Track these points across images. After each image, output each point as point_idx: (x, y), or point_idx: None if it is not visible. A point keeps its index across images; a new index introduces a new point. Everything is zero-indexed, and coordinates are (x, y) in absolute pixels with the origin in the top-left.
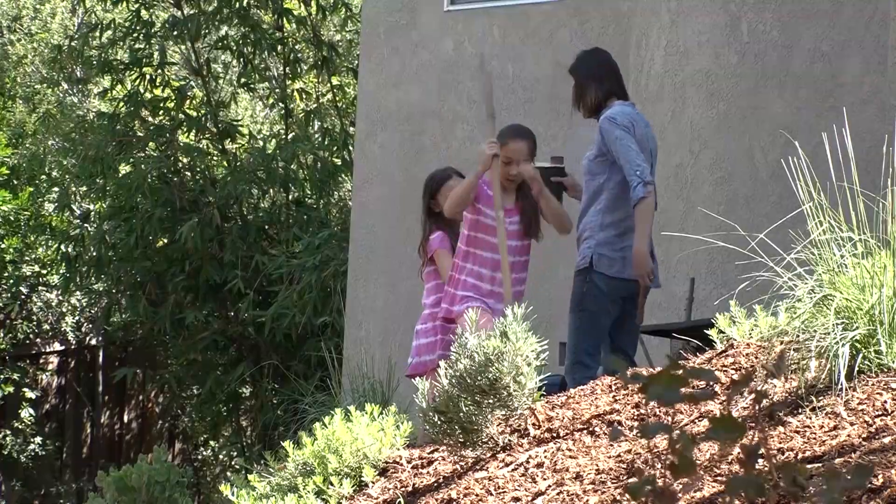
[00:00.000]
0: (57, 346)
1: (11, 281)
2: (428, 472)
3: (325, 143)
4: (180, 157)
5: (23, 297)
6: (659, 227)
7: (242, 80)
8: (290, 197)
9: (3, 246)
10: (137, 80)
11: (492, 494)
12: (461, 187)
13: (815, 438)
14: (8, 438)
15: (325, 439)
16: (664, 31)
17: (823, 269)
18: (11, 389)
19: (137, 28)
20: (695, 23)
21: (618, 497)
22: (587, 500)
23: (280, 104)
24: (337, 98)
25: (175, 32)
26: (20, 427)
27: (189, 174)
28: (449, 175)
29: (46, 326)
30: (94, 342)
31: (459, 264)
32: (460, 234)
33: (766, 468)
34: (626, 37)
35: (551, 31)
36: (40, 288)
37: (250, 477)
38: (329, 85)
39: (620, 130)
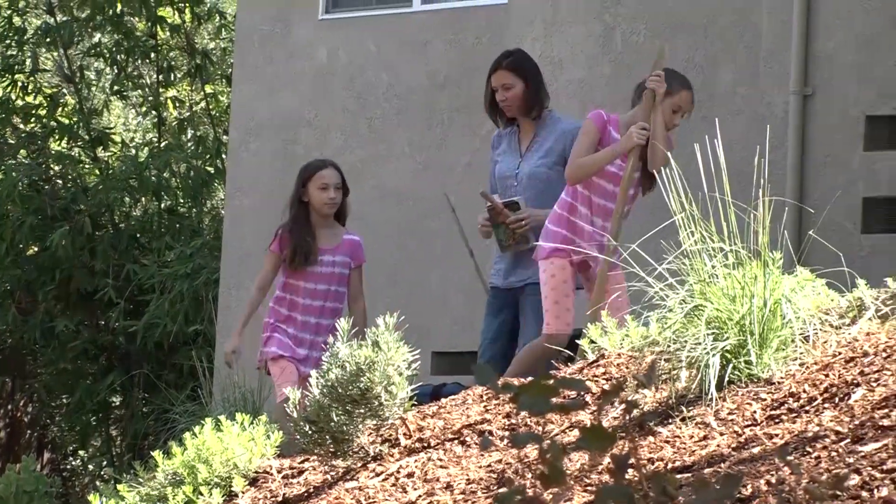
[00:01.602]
0: None
1: None
2: (298, 483)
3: (198, 151)
4: (52, 165)
5: None
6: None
7: (115, 87)
8: (163, 205)
9: None
10: (9, 87)
11: None
12: (598, 158)
13: (685, 448)
14: None
15: (195, 449)
16: (538, 41)
17: (695, 279)
18: None
19: (9, 35)
20: (569, 33)
21: None
22: None
23: (153, 112)
24: (210, 106)
25: (48, 39)
26: None
27: (61, 182)
28: (325, 165)
29: None
30: None
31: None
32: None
33: (636, 478)
34: (500, 47)
35: (426, 40)
36: None
37: (119, 487)
38: (202, 93)
39: None
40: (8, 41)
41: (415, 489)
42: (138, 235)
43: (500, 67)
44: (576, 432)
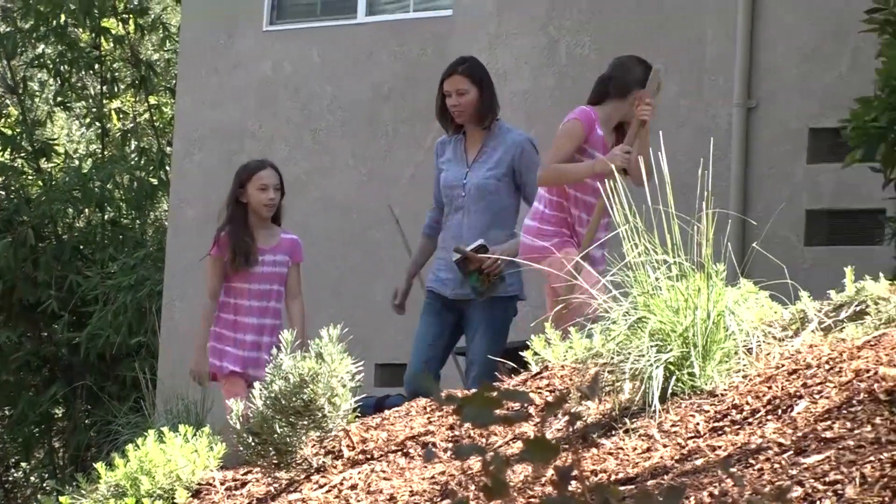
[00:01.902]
0: None
1: None
2: (241, 494)
3: (142, 162)
4: None
5: None
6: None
7: (59, 98)
8: (106, 217)
9: None
10: None
11: None
12: (578, 171)
13: (628, 460)
14: None
15: (137, 461)
16: (483, 53)
17: (638, 291)
18: None
19: None
20: (513, 45)
21: None
22: None
23: (97, 123)
24: (154, 118)
25: None
26: None
27: (3, 193)
28: (264, 165)
29: None
30: None
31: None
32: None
33: (579, 490)
34: (444, 58)
35: (370, 51)
36: None
37: (62, 499)
38: (146, 104)
39: (538, 158)
40: None
41: (358, 501)
42: (81, 247)
43: (456, 72)
44: (519, 444)
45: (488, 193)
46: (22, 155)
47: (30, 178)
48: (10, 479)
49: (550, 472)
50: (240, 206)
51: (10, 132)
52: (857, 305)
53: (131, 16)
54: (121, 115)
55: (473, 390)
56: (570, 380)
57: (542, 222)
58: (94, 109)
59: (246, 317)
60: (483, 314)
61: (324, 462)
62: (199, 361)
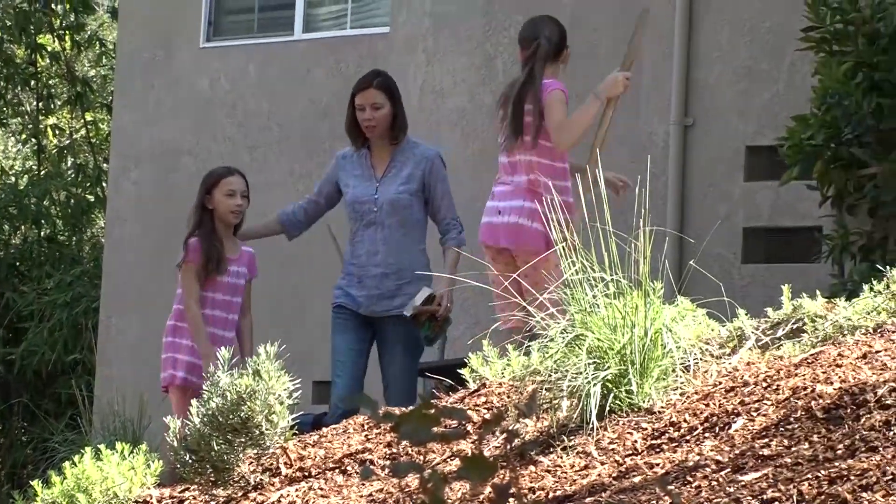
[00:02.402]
0: None
1: None
2: None
3: (79, 179)
4: None
5: None
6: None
7: None
8: (42, 233)
9: None
10: None
11: None
12: (587, 110)
13: (566, 478)
14: None
15: (74, 478)
16: (420, 70)
17: (576, 309)
18: None
19: None
20: (451, 62)
21: None
22: None
23: (33, 140)
24: (91, 134)
25: None
26: None
27: None
28: (231, 171)
29: None
30: None
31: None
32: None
33: None
34: None
35: (308, 68)
36: None
37: None
38: (83, 121)
39: (445, 172)
40: None
41: None
42: (17, 263)
43: (371, 86)
44: (457, 461)
45: (402, 208)
46: None
47: None
48: None
49: (488, 489)
50: (206, 212)
51: None
52: (794, 323)
53: (67, 32)
54: (57, 132)
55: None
56: (508, 397)
57: (567, 193)
58: (29, 126)
59: (211, 327)
60: (399, 331)
61: (261, 479)
62: (207, 355)
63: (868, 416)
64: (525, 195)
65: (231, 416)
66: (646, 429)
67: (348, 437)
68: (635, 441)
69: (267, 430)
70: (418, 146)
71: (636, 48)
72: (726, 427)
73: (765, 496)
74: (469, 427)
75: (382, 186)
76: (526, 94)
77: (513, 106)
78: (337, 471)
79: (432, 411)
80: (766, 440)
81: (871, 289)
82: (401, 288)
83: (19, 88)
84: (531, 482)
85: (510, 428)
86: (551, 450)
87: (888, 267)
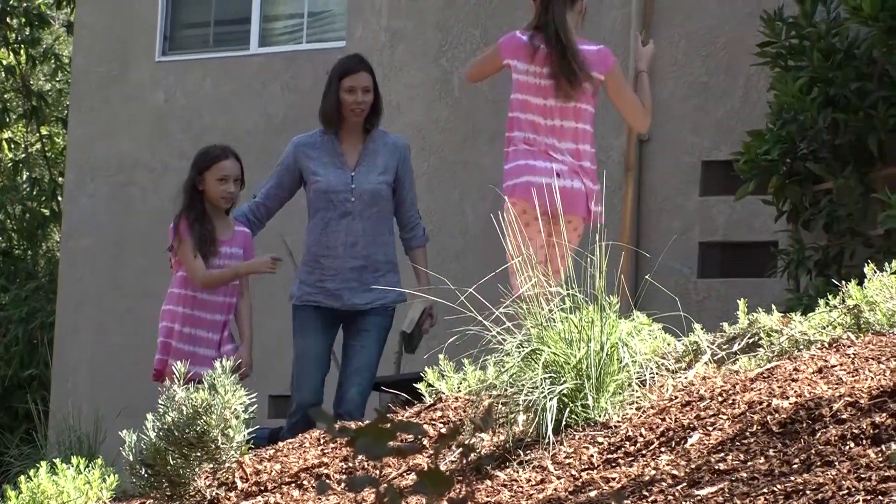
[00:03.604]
0: None
1: None
2: None
3: (34, 193)
4: None
5: None
6: None
7: None
8: None
9: None
10: None
11: None
12: (645, 88)
13: (522, 492)
14: None
15: (29, 493)
16: None
17: (532, 323)
18: None
19: None
20: (407, 77)
21: None
22: None
23: None
24: (46, 148)
25: None
26: None
27: None
28: (227, 154)
29: None
30: None
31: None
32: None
33: None
34: None
35: (263, 82)
36: None
37: None
38: (38, 135)
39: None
40: None
41: None
42: None
43: (363, 69)
44: (413, 476)
45: (381, 199)
46: None
47: None
48: None
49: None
50: (196, 193)
51: None
52: (749, 337)
53: (22, 46)
54: (12, 146)
55: (356, 399)
56: (464, 411)
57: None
58: None
59: (203, 311)
60: (375, 322)
61: (217, 494)
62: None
63: (824, 430)
64: (578, 171)
65: (187, 431)
66: (602, 443)
67: (304, 452)
68: (591, 455)
69: (223, 444)
70: (387, 135)
71: (650, 9)
72: (682, 441)
73: None
74: (425, 441)
75: (359, 176)
76: (569, 50)
77: (560, 59)
78: (293, 485)
79: (388, 426)
80: (722, 454)
81: (827, 303)
82: (377, 280)
83: None
84: (487, 497)
85: (466, 442)
86: (507, 464)
87: (843, 282)
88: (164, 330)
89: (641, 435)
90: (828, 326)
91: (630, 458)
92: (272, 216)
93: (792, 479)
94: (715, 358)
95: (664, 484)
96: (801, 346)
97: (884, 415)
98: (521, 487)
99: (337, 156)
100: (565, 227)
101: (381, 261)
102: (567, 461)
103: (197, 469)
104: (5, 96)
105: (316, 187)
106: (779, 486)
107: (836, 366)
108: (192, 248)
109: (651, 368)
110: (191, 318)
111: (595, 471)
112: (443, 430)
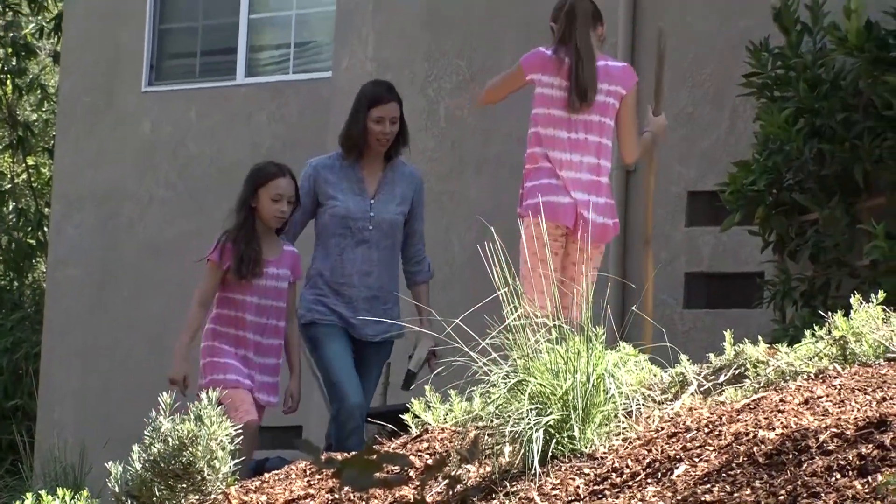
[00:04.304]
0: None
1: None
2: None
3: (20, 223)
4: None
5: None
6: None
7: None
8: None
9: None
10: None
11: None
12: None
13: None
14: None
15: None
16: None
17: (518, 354)
18: None
19: None
20: None
21: None
22: None
23: None
24: (32, 178)
25: None
26: None
27: None
28: (283, 173)
29: None
30: None
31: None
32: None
33: None
34: (324, 120)
35: (249, 112)
36: None
37: None
38: (24, 165)
39: None
40: None
41: None
42: None
43: (392, 99)
44: None
45: (397, 230)
46: None
47: None
48: None
49: None
50: (250, 210)
51: None
52: (735, 368)
53: (9, 76)
54: None
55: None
56: (450, 443)
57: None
58: None
59: (250, 332)
60: (381, 354)
61: None
62: (177, 367)
63: (810, 461)
64: (606, 189)
65: (173, 462)
66: (588, 474)
67: (290, 483)
68: (577, 487)
69: (209, 475)
70: (404, 164)
71: (661, 79)
72: (668, 473)
73: None
74: (411, 473)
75: (378, 204)
76: (592, 62)
77: (584, 70)
78: None
79: (374, 457)
80: (709, 486)
81: (813, 334)
82: (386, 312)
83: None
84: None
85: (452, 474)
86: (494, 496)
87: (830, 312)
88: (206, 350)
89: (628, 466)
90: (814, 357)
91: (616, 490)
92: None
93: None
94: (701, 389)
95: None
96: (788, 377)
97: (870, 446)
98: None
99: (357, 182)
100: (583, 258)
101: (390, 292)
102: (553, 492)
103: (183, 501)
104: None
105: (333, 212)
106: None
107: (822, 397)
108: (220, 271)
109: (637, 399)
110: (235, 338)
111: (581, 502)
112: (429, 462)
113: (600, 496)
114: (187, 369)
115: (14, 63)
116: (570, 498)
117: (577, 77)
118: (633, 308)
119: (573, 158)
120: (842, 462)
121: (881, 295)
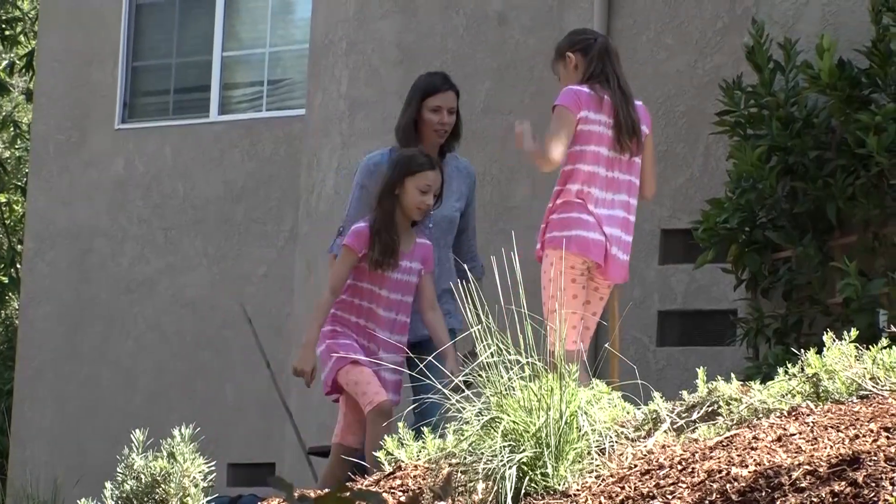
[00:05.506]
0: None
1: None
2: None
3: None
4: None
5: None
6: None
7: None
8: None
9: None
10: None
11: None
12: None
13: None
14: None
15: None
16: (335, 152)
17: (491, 391)
18: None
19: None
20: (366, 145)
21: None
22: None
23: None
24: (5, 215)
25: None
26: None
27: None
28: (433, 165)
29: None
30: None
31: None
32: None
33: None
34: (297, 158)
35: (222, 150)
36: None
37: None
38: None
39: None
40: None
41: None
42: None
43: (451, 89)
44: None
45: (454, 227)
46: None
47: None
48: None
49: None
50: (393, 198)
51: None
52: (709, 406)
53: None
54: None
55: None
56: (423, 480)
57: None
58: None
59: (379, 326)
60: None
61: None
62: (304, 357)
63: (783, 499)
64: (632, 227)
65: (145, 499)
66: None
67: None
68: None
69: None
70: (458, 158)
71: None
72: None
73: None
74: None
75: (440, 201)
76: (632, 101)
77: (627, 109)
78: None
79: (347, 494)
80: None
81: (786, 372)
82: (445, 308)
83: None
84: None
85: None
86: None
87: (802, 350)
88: (325, 335)
89: (601, 503)
90: (787, 395)
91: None
92: None
93: None
94: (674, 426)
95: None
96: (761, 415)
97: (843, 483)
98: None
99: None
100: (599, 294)
101: (447, 290)
102: None
103: None
104: None
105: None
106: None
107: (795, 434)
108: (356, 258)
109: (610, 437)
110: (364, 329)
111: None
112: (402, 499)
113: None
114: (315, 361)
115: None
116: None
117: (627, 116)
118: (607, 346)
119: (607, 196)
120: (815, 499)
121: (854, 332)
